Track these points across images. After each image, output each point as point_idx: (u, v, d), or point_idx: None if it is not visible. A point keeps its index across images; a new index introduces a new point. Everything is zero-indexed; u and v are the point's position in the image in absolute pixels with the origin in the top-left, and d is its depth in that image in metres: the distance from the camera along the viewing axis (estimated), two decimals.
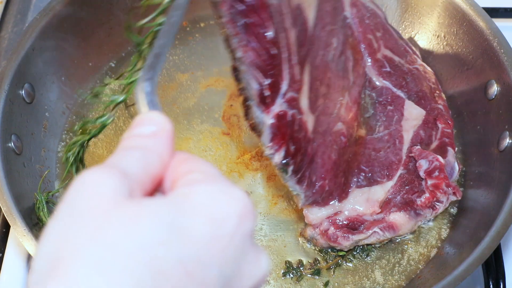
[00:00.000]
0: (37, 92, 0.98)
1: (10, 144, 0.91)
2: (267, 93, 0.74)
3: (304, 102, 0.80)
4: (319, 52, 0.81)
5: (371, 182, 0.90)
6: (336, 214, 0.88)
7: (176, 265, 0.38)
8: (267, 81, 0.73)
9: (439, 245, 0.92)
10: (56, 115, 1.02)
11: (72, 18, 1.04)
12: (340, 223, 0.87)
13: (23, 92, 0.95)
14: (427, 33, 1.08)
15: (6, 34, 1.11)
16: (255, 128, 0.77)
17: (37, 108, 0.99)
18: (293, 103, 0.77)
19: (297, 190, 0.82)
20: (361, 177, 0.90)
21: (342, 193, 0.88)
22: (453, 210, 0.95)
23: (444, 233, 0.93)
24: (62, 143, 1.01)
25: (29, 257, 0.87)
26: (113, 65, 1.10)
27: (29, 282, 0.39)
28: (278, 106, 0.76)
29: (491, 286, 0.85)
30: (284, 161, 0.78)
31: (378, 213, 0.89)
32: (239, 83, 0.74)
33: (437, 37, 1.07)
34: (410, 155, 0.92)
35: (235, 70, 0.73)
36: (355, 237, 0.87)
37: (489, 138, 0.96)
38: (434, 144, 0.94)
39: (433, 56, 1.08)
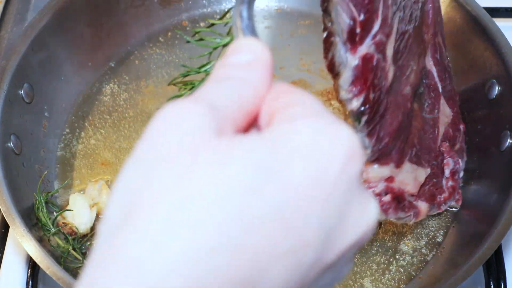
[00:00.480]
0: (36, 92, 0.98)
1: (9, 144, 0.91)
2: (358, 30, 0.68)
3: (390, 50, 0.74)
4: (407, 3, 0.76)
5: (419, 161, 0.87)
6: (390, 179, 0.83)
7: (271, 216, 0.33)
8: (361, 17, 0.68)
9: (439, 245, 0.92)
10: (55, 115, 1.02)
11: (72, 18, 1.04)
12: (395, 192, 0.83)
13: (22, 92, 0.95)
14: None
15: (5, 34, 1.11)
16: (333, 68, 0.71)
17: (36, 108, 0.98)
18: (380, 47, 0.72)
19: (366, 143, 0.77)
20: (413, 152, 0.86)
21: (399, 159, 0.83)
22: (454, 210, 0.95)
23: (444, 233, 0.93)
24: (62, 144, 1.01)
25: (28, 258, 0.87)
26: (113, 65, 1.10)
27: (100, 231, 0.34)
28: (366, 47, 0.69)
29: (492, 286, 0.85)
30: (361, 109, 0.72)
31: (412, 195, 0.86)
32: (327, 15, 0.68)
33: None
34: (441, 149, 0.90)
35: (325, 0, 0.68)
36: (400, 214, 0.83)
37: (490, 138, 0.96)
38: (457, 146, 0.93)
39: None
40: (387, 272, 0.89)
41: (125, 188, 0.35)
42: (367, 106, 0.72)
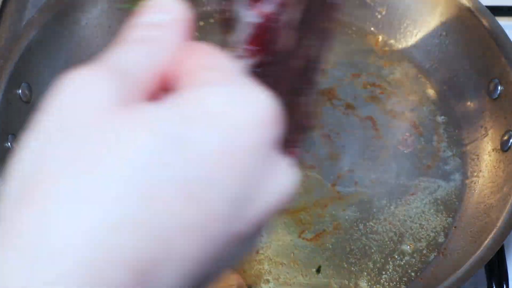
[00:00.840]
0: (34, 91, 0.98)
1: (7, 144, 0.90)
2: None
3: (295, 14, 0.70)
4: None
5: (282, 145, 0.85)
6: None
7: (177, 189, 0.31)
8: None
9: (441, 246, 0.91)
10: None
11: (70, 16, 1.04)
12: None
13: (20, 91, 0.95)
14: (429, 32, 1.08)
15: (3, 33, 1.11)
16: (228, 23, 0.68)
17: (34, 107, 0.97)
18: (286, 8, 0.68)
19: None
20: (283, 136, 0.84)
21: None
22: (455, 210, 0.94)
23: (446, 234, 0.92)
24: None
25: None
26: None
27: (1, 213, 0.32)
28: (269, 5, 0.66)
29: None
30: (252, 70, 0.69)
31: None
32: None
33: (440, 35, 1.06)
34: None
35: None
36: None
37: (492, 138, 0.96)
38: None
39: (435, 54, 1.07)
40: (386, 272, 0.89)
41: (24, 162, 0.32)
42: (260, 69, 0.67)
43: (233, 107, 0.33)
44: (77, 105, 0.32)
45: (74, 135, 0.31)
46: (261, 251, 0.89)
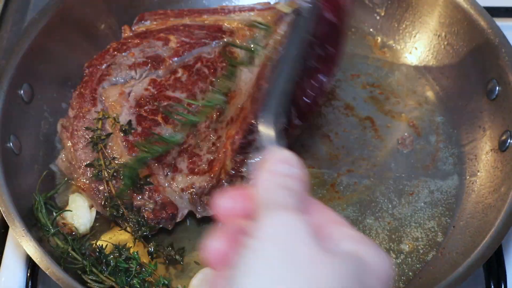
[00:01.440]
0: (35, 92, 0.98)
1: (9, 144, 0.91)
2: None
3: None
4: None
5: None
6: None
7: None
8: None
9: (439, 245, 0.92)
10: (55, 115, 1.01)
11: (71, 18, 1.04)
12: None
13: (22, 92, 0.95)
14: (428, 33, 1.08)
15: (5, 34, 1.11)
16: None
17: (36, 108, 0.98)
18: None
19: None
20: None
21: None
22: (453, 210, 0.95)
23: (444, 233, 0.93)
24: (60, 144, 1.01)
25: (28, 258, 0.87)
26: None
27: None
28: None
29: (492, 287, 0.85)
30: None
31: None
32: None
33: (438, 36, 1.07)
34: None
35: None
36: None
37: (490, 138, 0.96)
38: None
39: (434, 55, 1.08)
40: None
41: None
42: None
43: (381, 262, 0.48)
44: (291, 244, 0.45)
45: (297, 268, 0.44)
46: None
